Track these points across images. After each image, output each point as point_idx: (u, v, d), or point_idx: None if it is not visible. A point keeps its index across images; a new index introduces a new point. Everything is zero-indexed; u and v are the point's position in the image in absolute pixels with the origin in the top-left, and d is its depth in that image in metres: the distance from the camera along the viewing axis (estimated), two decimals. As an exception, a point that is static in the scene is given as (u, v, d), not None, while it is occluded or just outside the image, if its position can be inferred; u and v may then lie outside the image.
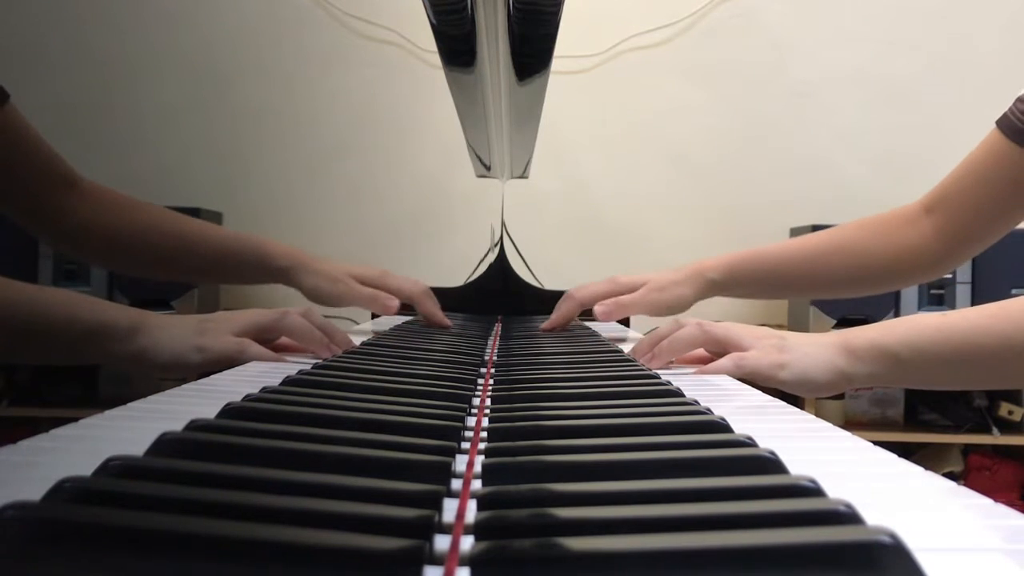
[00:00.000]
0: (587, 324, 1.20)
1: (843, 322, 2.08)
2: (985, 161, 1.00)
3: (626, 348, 0.88)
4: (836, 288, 1.14)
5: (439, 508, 0.30)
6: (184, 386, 0.61)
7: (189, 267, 1.11)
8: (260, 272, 1.08)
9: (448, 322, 1.08)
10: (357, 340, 0.89)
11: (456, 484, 0.36)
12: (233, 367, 0.78)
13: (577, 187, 2.46)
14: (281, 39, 2.45)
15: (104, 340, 0.75)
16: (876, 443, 0.46)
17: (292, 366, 0.72)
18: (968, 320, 0.73)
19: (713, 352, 0.84)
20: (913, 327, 0.75)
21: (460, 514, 0.31)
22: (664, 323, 0.85)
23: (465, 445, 0.43)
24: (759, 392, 0.68)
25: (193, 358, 0.77)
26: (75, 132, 2.42)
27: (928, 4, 2.44)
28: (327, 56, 2.45)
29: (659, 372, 0.70)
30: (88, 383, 2.14)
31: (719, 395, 0.67)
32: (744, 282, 1.09)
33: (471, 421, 0.49)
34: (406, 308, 1.15)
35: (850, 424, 2.13)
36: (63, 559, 0.24)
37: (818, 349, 0.77)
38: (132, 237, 1.07)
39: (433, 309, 1.09)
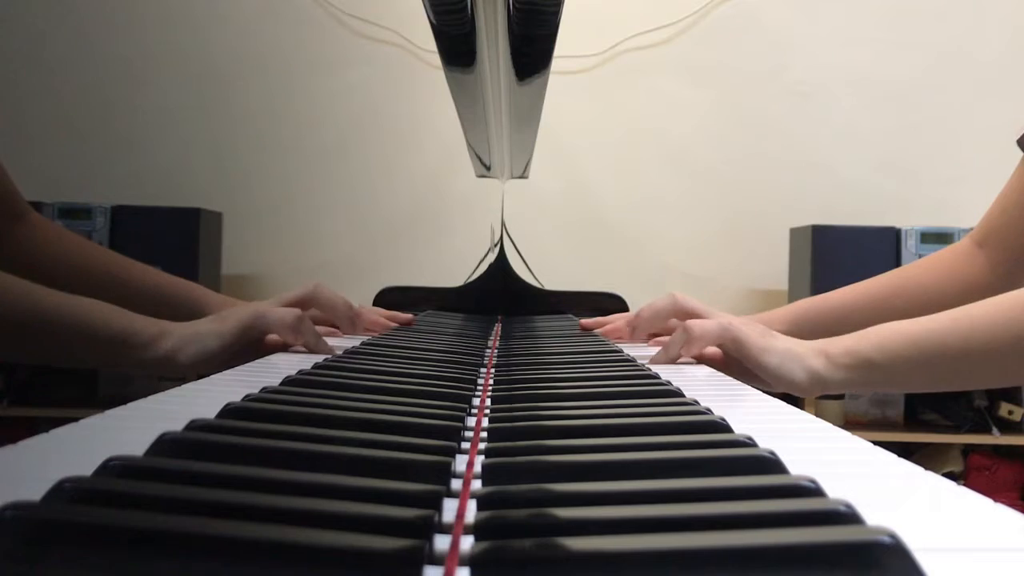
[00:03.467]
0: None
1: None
2: (1022, 188, 1.00)
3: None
4: None
5: (439, 508, 0.30)
6: (184, 386, 0.61)
7: (127, 306, 1.12)
8: (195, 318, 1.08)
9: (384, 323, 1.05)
10: (357, 340, 0.89)
11: (456, 484, 0.36)
12: (257, 336, 0.82)
13: (577, 187, 2.46)
14: (281, 39, 2.45)
15: (131, 348, 0.78)
16: (876, 443, 0.46)
17: (292, 366, 0.72)
18: (935, 323, 0.76)
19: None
20: (885, 334, 0.78)
21: (460, 514, 0.31)
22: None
23: (465, 445, 0.43)
24: (759, 392, 0.68)
25: (212, 344, 0.80)
26: (75, 132, 2.42)
27: (928, 5, 2.44)
28: (327, 56, 2.45)
29: (659, 372, 0.70)
30: (88, 383, 2.14)
31: (719, 395, 0.67)
32: (810, 333, 1.07)
33: (471, 421, 0.49)
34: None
35: (850, 424, 2.13)
36: (63, 559, 0.24)
37: (798, 348, 0.80)
38: (75, 274, 1.06)
39: (353, 331, 1.03)
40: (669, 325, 0.98)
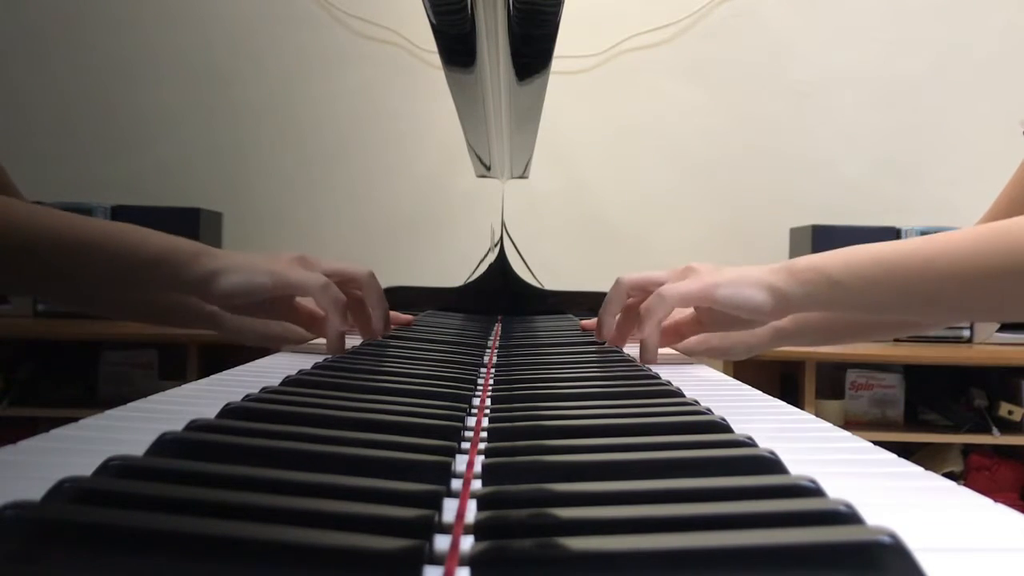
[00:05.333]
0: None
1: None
2: None
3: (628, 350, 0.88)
4: (905, 327, 1.12)
5: (439, 508, 0.30)
6: (184, 386, 0.61)
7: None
8: (197, 316, 0.97)
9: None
10: (356, 340, 0.89)
11: (456, 484, 0.36)
12: (303, 297, 0.80)
13: (577, 187, 2.46)
14: (281, 39, 2.45)
15: (170, 266, 0.74)
16: (876, 443, 0.46)
17: (292, 366, 0.72)
18: (903, 244, 0.75)
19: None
20: (852, 252, 0.77)
21: (460, 514, 0.31)
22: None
23: (465, 445, 0.43)
24: (760, 392, 0.68)
25: (262, 280, 0.76)
26: (75, 132, 2.42)
27: (928, 4, 2.44)
28: (327, 56, 2.45)
29: (658, 372, 0.70)
30: (88, 383, 2.14)
31: (719, 395, 0.67)
32: (811, 331, 1.03)
33: (471, 421, 0.49)
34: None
35: (850, 424, 2.13)
36: (63, 559, 0.24)
37: (755, 271, 0.79)
38: None
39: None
40: (630, 304, 0.90)
